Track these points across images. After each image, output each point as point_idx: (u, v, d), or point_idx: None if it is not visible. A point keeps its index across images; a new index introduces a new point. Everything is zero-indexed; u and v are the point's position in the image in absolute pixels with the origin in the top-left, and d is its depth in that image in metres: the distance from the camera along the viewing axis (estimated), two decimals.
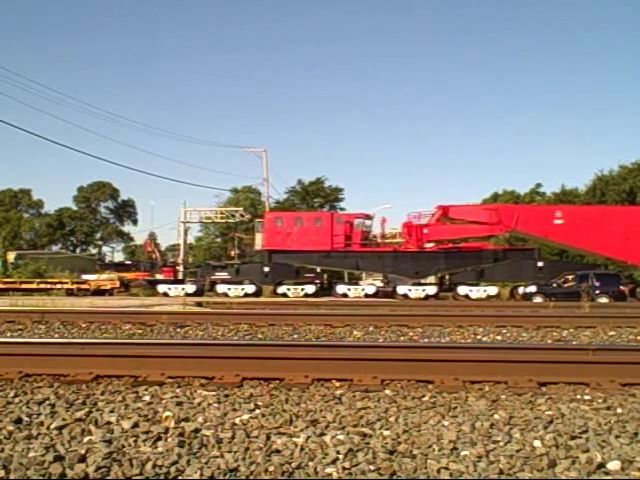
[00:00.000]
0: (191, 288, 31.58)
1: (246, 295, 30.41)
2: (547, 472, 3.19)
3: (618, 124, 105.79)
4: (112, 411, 4.17)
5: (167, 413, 4.10)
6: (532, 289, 27.26)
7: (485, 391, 4.87)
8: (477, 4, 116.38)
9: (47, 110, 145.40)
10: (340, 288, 31.22)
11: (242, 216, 41.89)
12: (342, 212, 32.03)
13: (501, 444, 3.56)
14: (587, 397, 4.71)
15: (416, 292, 29.48)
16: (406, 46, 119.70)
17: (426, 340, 9.19)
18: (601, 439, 3.64)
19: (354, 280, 37.70)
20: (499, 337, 9.61)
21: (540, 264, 29.21)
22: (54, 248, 75.57)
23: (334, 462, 3.27)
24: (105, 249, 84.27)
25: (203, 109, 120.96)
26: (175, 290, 31.39)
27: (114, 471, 3.12)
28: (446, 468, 3.20)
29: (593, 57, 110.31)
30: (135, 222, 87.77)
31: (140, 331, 10.02)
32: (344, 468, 3.20)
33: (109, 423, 3.89)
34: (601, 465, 3.25)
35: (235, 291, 31.06)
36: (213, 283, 31.93)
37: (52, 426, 3.81)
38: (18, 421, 3.94)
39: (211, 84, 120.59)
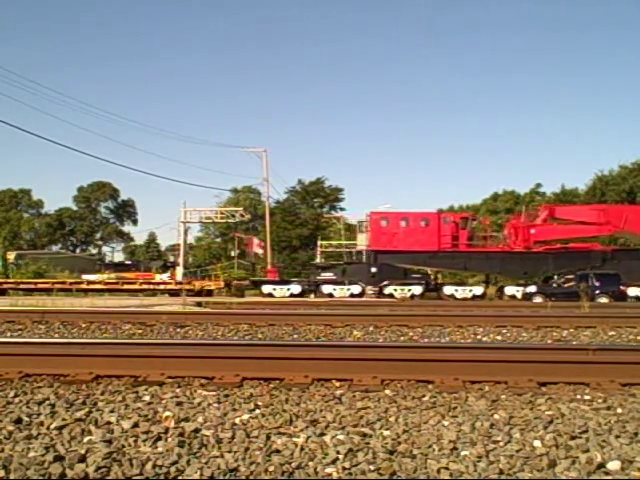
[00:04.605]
0: (296, 289, 31.26)
1: (352, 296, 29.96)
2: (547, 472, 3.19)
3: (618, 124, 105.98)
4: (112, 411, 4.17)
5: (167, 413, 4.10)
6: (532, 289, 27.28)
7: (485, 391, 4.87)
8: (477, 4, 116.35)
9: (47, 110, 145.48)
10: (447, 289, 30.73)
11: (242, 216, 41.88)
12: (448, 212, 31.60)
13: (501, 444, 3.56)
14: (587, 397, 4.70)
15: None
16: (405, 46, 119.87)
17: (426, 340, 9.19)
18: (601, 439, 3.64)
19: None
20: (499, 337, 9.60)
21: None
22: (54, 248, 75.72)
23: (334, 462, 3.27)
24: (105, 249, 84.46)
25: (203, 109, 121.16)
26: (280, 290, 31.06)
27: (114, 471, 3.12)
28: (446, 468, 3.20)
29: (593, 57, 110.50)
30: (135, 222, 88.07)
31: (140, 331, 10.01)
32: (344, 468, 3.20)
33: (109, 423, 3.88)
34: (601, 465, 3.25)
35: (341, 291, 30.54)
36: (317, 284, 31.48)
37: (52, 426, 3.80)
38: (18, 421, 3.94)
39: (211, 84, 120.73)
